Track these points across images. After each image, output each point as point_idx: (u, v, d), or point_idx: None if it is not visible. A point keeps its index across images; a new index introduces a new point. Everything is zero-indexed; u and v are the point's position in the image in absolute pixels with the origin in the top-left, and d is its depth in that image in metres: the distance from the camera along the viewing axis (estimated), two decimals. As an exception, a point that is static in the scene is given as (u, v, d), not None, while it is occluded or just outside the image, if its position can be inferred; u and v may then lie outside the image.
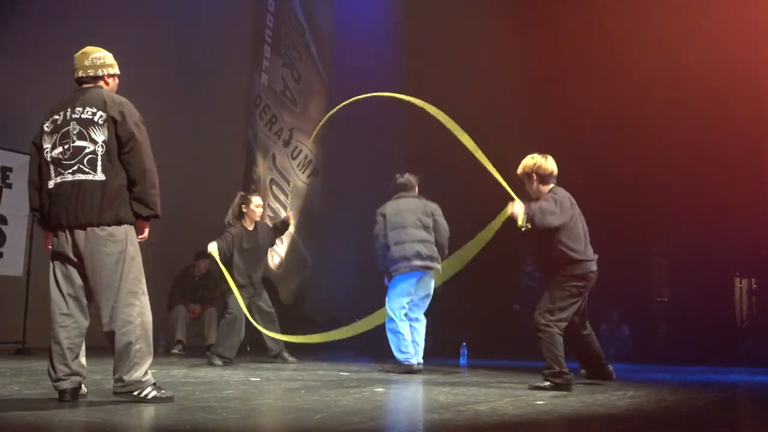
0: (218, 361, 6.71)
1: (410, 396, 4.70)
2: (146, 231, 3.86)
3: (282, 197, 10.99)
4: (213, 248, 6.78)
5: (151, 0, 9.42)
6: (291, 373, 5.99)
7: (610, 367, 5.61)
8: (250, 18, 11.09)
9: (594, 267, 5.21)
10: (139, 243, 3.84)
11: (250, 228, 7.10)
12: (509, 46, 11.36)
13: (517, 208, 5.02)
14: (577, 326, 5.33)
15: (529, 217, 4.99)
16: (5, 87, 7.92)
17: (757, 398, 5.50)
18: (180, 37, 9.63)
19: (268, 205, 10.92)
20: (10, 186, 7.46)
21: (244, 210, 7.11)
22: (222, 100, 10.53)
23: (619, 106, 10.41)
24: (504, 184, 5.38)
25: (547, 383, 5.00)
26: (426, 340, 6.60)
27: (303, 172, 11.57)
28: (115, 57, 4.05)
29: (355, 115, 12.35)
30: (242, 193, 7.40)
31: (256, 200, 7.22)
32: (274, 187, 11.04)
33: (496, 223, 5.41)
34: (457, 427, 3.37)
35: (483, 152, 5.80)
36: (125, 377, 3.67)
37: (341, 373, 6.12)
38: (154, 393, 3.71)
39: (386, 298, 6.49)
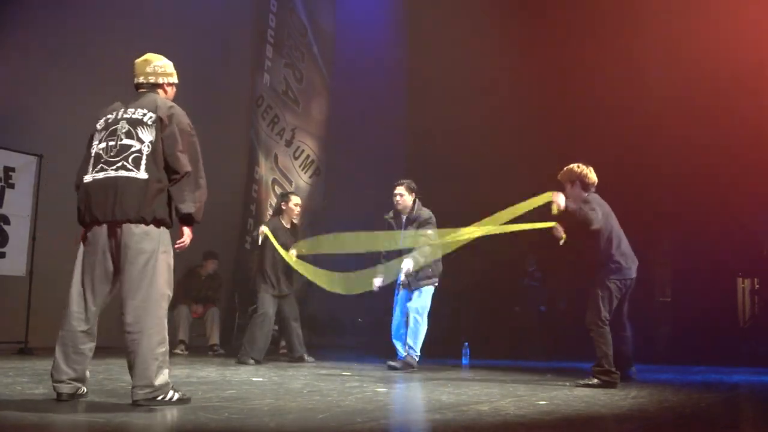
0: (250, 361, 6.86)
1: (412, 396, 4.70)
2: (186, 237, 3.83)
3: (280, 192, 10.98)
4: (264, 228, 7.03)
5: (153, 1, 9.42)
6: (293, 373, 5.99)
7: (633, 369, 5.90)
8: (252, 18, 11.09)
9: (633, 274, 5.58)
10: None
11: (287, 226, 7.30)
12: (511, 46, 11.35)
13: (560, 196, 5.39)
14: (617, 326, 5.67)
15: (569, 212, 5.37)
16: (9, 87, 7.93)
17: (760, 398, 5.49)
18: (182, 37, 9.63)
19: (270, 205, 10.92)
20: (12, 186, 7.46)
21: (283, 207, 7.37)
22: (224, 100, 10.53)
23: (621, 108, 10.41)
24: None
25: (595, 380, 5.31)
26: (427, 339, 6.74)
27: (305, 172, 11.57)
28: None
29: (356, 115, 12.39)
30: (282, 191, 7.57)
31: (294, 199, 7.45)
32: (276, 187, 11.04)
33: (533, 202, 5.66)
34: (460, 427, 3.37)
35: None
36: (155, 382, 3.57)
37: (343, 373, 6.12)
38: (177, 395, 3.66)
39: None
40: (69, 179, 3.94)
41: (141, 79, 3.97)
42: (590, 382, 5.33)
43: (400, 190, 6.78)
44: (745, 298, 10.56)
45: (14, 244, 7.43)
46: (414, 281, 6.65)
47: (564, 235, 5.51)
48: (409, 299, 6.74)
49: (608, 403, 4.38)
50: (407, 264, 6.51)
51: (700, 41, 9.79)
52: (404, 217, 6.80)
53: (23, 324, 7.35)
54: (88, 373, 3.78)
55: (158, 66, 4.01)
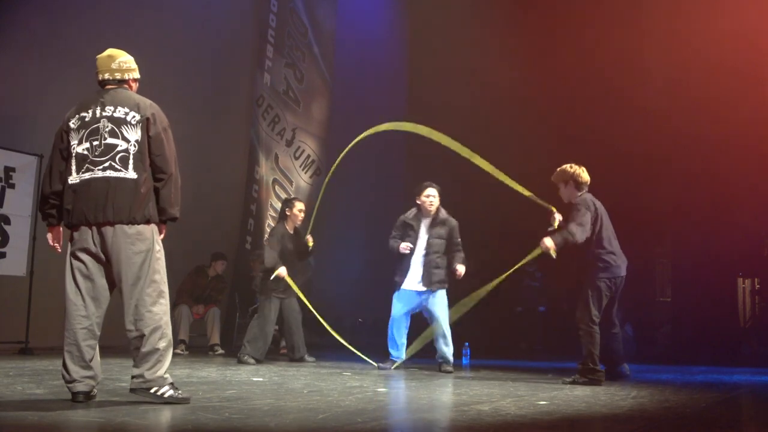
0: (251, 360, 6.93)
1: (413, 396, 4.70)
2: (163, 232, 3.90)
3: (285, 197, 10.99)
4: (283, 271, 7.03)
5: (153, 1, 9.42)
6: (294, 373, 5.99)
7: (626, 366, 5.90)
8: (252, 18, 11.09)
9: (622, 272, 5.59)
10: None
11: (291, 231, 7.38)
12: (512, 48, 11.36)
13: (547, 243, 5.44)
14: (607, 324, 5.69)
15: (560, 247, 5.44)
16: (9, 88, 7.92)
17: (760, 398, 5.48)
18: (183, 37, 9.63)
19: (271, 205, 10.92)
20: (13, 186, 7.47)
21: (288, 213, 7.41)
22: (225, 100, 10.53)
23: (622, 108, 10.41)
24: (530, 195, 5.88)
25: (581, 378, 5.44)
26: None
27: (306, 172, 11.58)
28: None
29: (357, 115, 12.39)
30: (287, 197, 7.64)
31: (298, 205, 7.48)
32: (276, 187, 11.04)
33: (529, 257, 5.96)
34: (460, 427, 3.37)
35: (483, 154, 6.06)
36: (146, 374, 3.65)
37: (344, 373, 6.12)
38: (171, 392, 3.70)
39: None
40: (69, 179, 3.94)
41: (106, 76, 3.95)
42: (576, 380, 5.44)
43: (433, 191, 6.78)
44: (745, 298, 10.57)
45: (14, 244, 7.43)
46: (427, 281, 6.68)
47: (557, 220, 5.71)
48: (419, 299, 6.72)
49: (608, 403, 4.38)
50: (461, 268, 6.69)
51: (702, 39, 9.79)
52: (427, 219, 6.79)
53: (23, 324, 7.36)
54: (99, 371, 3.76)
55: (123, 62, 3.98)
